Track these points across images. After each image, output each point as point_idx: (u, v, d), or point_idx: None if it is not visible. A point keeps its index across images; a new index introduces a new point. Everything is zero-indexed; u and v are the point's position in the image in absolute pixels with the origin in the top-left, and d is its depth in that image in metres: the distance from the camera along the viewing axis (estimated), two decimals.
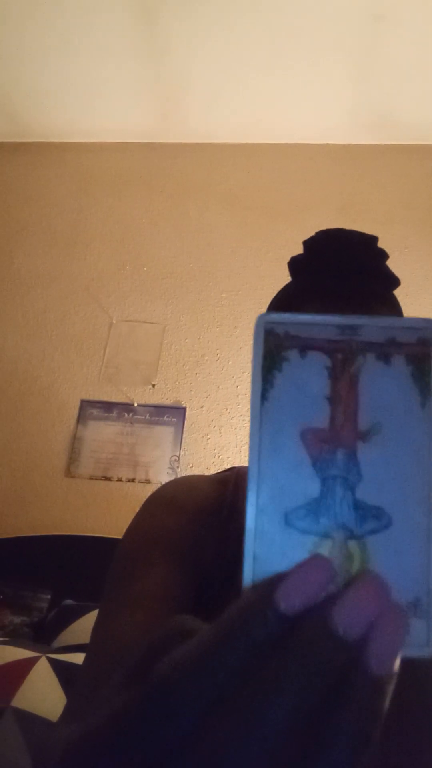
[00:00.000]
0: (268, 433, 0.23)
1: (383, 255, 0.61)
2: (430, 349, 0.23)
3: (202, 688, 0.18)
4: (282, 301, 0.66)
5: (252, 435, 0.23)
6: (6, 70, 2.36)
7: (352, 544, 0.22)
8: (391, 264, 0.62)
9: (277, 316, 0.24)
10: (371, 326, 0.24)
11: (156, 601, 0.51)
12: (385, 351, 0.24)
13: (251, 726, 0.17)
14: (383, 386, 0.23)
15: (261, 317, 0.24)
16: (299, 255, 0.63)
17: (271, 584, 0.19)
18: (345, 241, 0.60)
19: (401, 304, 0.65)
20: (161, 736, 0.18)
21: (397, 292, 0.65)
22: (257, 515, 0.22)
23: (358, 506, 0.22)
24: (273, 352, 0.24)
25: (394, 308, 0.63)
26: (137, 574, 0.55)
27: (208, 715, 0.18)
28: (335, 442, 0.23)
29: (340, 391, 0.23)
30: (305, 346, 0.24)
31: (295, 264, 0.64)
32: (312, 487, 0.23)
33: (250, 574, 0.22)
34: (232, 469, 0.72)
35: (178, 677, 0.19)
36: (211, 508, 0.63)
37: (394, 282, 0.62)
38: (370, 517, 0.22)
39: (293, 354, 0.24)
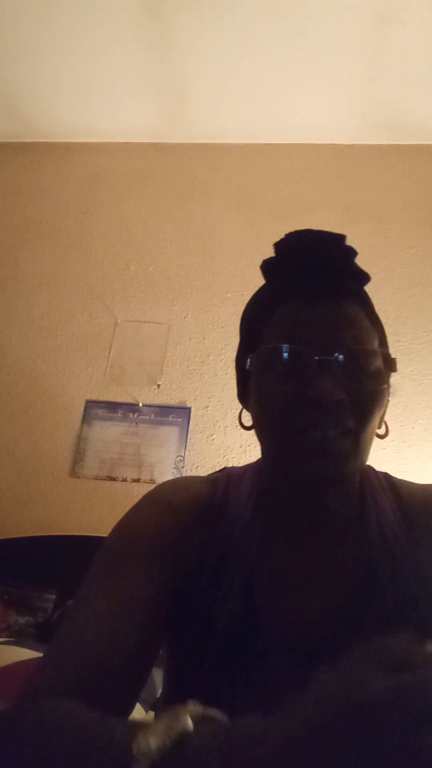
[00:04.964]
0: None
1: (352, 252, 0.61)
2: None
3: None
4: (258, 304, 0.66)
5: None
6: (11, 71, 2.36)
7: None
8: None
9: None
10: None
11: (127, 605, 0.54)
12: None
13: None
14: None
15: None
16: (271, 258, 0.64)
17: None
18: (314, 240, 0.60)
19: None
20: None
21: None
22: None
23: None
24: None
25: (366, 304, 0.63)
26: (118, 572, 0.57)
27: None
28: None
29: None
30: None
31: (267, 267, 0.65)
32: None
33: None
34: (224, 469, 0.75)
35: None
36: (201, 507, 0.66)
37: (365, 278, 0.63)
38: None
39: None
